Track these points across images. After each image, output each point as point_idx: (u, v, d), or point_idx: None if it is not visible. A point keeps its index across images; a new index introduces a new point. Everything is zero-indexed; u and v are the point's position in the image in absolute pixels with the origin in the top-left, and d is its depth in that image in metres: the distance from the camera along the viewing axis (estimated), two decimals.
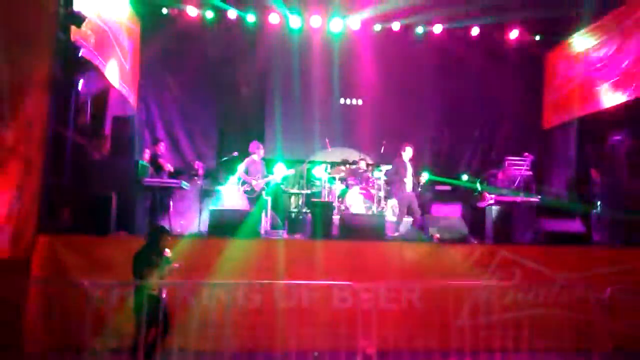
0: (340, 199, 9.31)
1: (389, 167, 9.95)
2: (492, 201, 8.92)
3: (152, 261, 4.89)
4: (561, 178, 10.67)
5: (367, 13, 10.63)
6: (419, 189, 8.87)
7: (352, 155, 10.64)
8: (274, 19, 10.71)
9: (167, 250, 5.02)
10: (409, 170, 8.67)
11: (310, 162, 9.98)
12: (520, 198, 8.95)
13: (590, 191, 9.14)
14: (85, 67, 7.55)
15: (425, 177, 8.78)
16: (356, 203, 9.08)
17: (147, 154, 8.87)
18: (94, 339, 4.84)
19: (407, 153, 8.71)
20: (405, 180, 8.60)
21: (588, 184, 9.28)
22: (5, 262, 5.54)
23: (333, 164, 10.49)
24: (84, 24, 6.96)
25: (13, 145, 6.00)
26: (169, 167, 8.91)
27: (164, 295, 4.96)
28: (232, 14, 10.59)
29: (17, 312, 4.91)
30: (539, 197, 9.23)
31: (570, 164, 10.47)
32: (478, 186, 9.50)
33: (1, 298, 4.82)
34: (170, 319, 4.91)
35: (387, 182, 9.41)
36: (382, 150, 10.20)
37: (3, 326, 4.79)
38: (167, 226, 5.30)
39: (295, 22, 10.80)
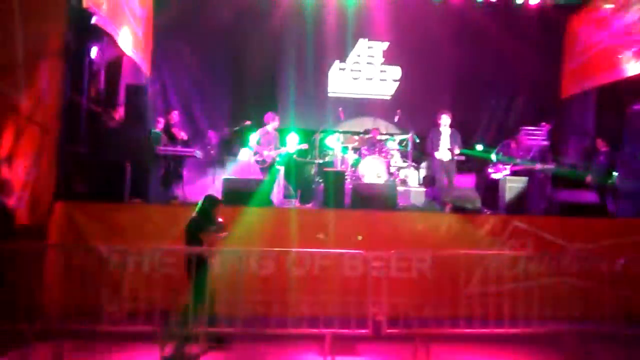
0: (353, 169, 9.30)
1: (404, 136, 9.90)
2: (506, 171, 8.84)
3: (208, 229, 5.05)
4: (578, 148, 10.50)
5: None
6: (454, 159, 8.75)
7: (366, 125, 10.57)
8: None
9: (220, 219, 5.19)
10: (444, 139, 8.56)
11: (323, 131, 9.94)
12: (535, 168, 8.85)
13: (595, 161, 9.00)
14: (98, 34, 7.53)
15: (458, 150, 8.67)
16: (369, 173, 9.05)
17: (160, 123, 8.91)
18: (111, 303, 4.98)
19: (444, 121, 8.60)
20: (438, 150, 8.53)
21: (594, 154, 9.14)
22: (24, 227, 5.69)
23: (346, 134, 10.46)
24: None
25: (29, 113, 6.07)
26: (183, 136, 8.94)
27: (212, 262, 5.12)
28: None
29: (36, 277, 5.04)
30: (555, 167, 9.12)
31: (588, 133, 10.28)
32: (493, 157, 9.39)
33: (21, 263, 4.95)
34: None
35: (424, 152, 9.38)
36: (396, 120, 10.13)
37: (23, 291, 4.93)
38: (215, 195, 5.49)
39: None
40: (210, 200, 5.27)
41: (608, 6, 9.84)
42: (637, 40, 8.95)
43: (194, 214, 5.18)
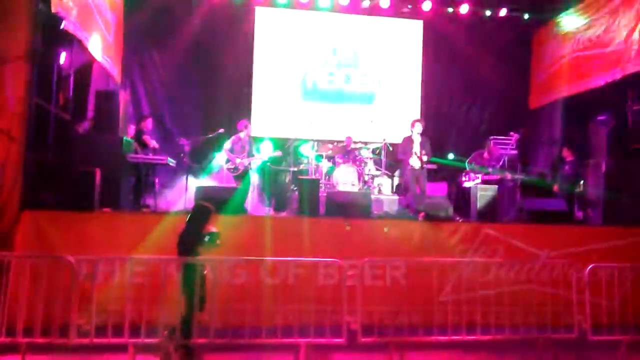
0: (327, 177, 9.32)
1: (377, 145, 9.99)
2: (478, 180, 9.00)
3: (203, 239, 4.88)
4: (547, 157, 10.79)
5: None
6: (425, 167, 8.84)
7: (339, 133, 10.63)
8: None
9: (213, 228, 5.00)
10: (416, 147, 8.67)
11: (297, 139, 9.94)
12: (507, 177, 9.04)
13: (562, 170, 9.26)
14: (67, 39, 7.39)
15: (426, 158, 8.75)
16: (343, 181, 9.10)
17: (131, 130, 8.76)
18: (80, 315, 4.83)
19: (417, 129, 8.71)
20: (411, 157, 8.63)
21: (560, 163, 9.41)
22: None
23: (320, 142, 10.49)
24: None
25: None
26: (154, 144, 8.81)
27: (205, 272, 4.98)
28: None
29: (1, 289, 4.87)
30: (523, 176, 9.34)
31: (556, 143, 10.57)
32: (466, 165, 9.55)
33: None
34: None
35: (396, 160, 9.42)
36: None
37: None
38: (207, 203, 5.21)
39: None
40: (202, 209, 5.05)
41: (573, 21, 10.19)
42: (601, 54, 9.28)
43: (185, 225, 4.95)
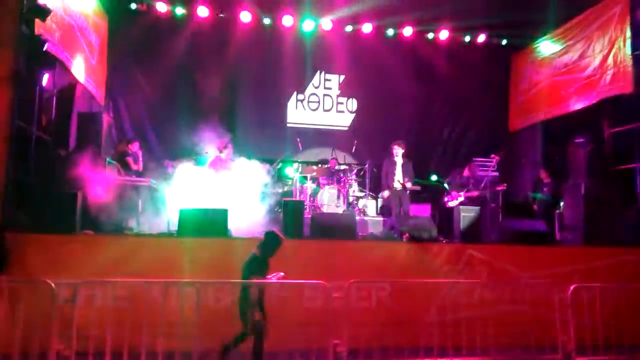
0: (312, 198, 9.33)
1: (361, 166, 10.06)
2: (461, 198, 9.09)
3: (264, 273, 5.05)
4: (527, 179, 10.96)
5: (338, 13, 10.63)
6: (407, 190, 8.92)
7: (324, 155, 10.69)
8: (245, 17, 10.65)
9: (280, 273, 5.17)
10: (398, 170, 8.76)
11: (281, 161, 9.96)
12: (487, 196, 9.15)
13: (540, 191, 9.42)
14: (50, 61, 7.36)
15: (409, 183, 8.83)
16: (328, 202, 9.12)
17: (115, 152, 8.69)
18: (59, 341, 4.71)
19: (397, 151, 8.82)
20: (393, 180, 8.70)
21: (539, 184, 9.59)
22: None
23: (304, 164, 10.53)
24: (48, 18, 6.76)
25: None
26: (137, 167, 8.74)
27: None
28: (202, 11, 10.45)
29: None
30: (504, 197, 9.47)
31: (535, 165, 10.76)
32: (446, 185, 9.65)
33: None
34: None
35: (379, 183, 9.51)
36: (353, 150, 10.31)
37: None
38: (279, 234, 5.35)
39: (266, 21, 10.76)
40: (276, 239, 5.20)
41: (550, 47, 10.49)
42: (577, 79, 9.55)
43: (257, 251, 5.12)
